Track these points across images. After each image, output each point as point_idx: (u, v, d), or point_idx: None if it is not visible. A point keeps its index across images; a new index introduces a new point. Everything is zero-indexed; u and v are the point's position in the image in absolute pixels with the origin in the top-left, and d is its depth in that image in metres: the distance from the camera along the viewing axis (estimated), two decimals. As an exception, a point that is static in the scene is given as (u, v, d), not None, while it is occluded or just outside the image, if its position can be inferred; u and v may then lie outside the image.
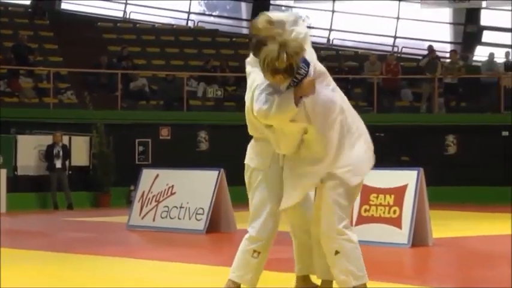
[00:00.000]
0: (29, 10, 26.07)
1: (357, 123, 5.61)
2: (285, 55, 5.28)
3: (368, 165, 5.63)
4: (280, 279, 6.89)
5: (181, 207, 12.41)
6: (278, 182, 5.64)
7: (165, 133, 21.14)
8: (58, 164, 19.29)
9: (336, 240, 5.46)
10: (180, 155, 19.19)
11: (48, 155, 19.35)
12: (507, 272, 8.36)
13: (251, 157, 5.78)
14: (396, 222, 10.11)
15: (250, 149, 5.82)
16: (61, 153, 19.35)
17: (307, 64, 5.39)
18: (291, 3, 31.36)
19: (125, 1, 28.39)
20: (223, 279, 5.94)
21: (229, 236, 11.65)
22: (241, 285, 5.73)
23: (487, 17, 28.67)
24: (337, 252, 5.47)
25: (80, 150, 20.31)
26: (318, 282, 5.93)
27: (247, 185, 5.79)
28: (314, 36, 31.11)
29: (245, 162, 5.82)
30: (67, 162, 19.55)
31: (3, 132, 19.41)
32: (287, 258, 7.45)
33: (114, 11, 28.39)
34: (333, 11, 28.65)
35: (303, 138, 5.48)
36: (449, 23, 29.33)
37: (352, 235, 5.52)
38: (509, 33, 28.42)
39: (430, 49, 24.35)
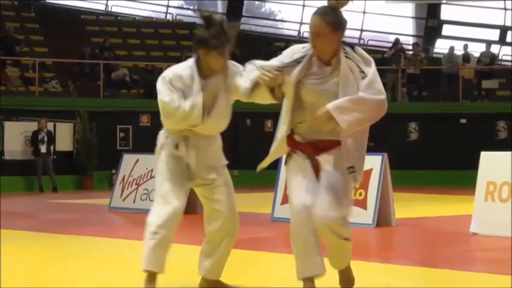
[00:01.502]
0: (16, 3, 25.83)
1: None
2: None
3: None
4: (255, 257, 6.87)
5: (160, 189, 12.38)
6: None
7: (144, 120, 21.07)
8: (43, 149, 19.19)
9: None
10: (159, 140, 19.11)
11: (33, 140, 19.24)
12: (464, 249, 8.43)
13: None
14: (362, 204, 10.14)
15: None
16: (46, 138, 19.25)
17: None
18: (264, -2, 31.35)
19: (107, -5, 28.22)
20: (196, 256, 5.89)
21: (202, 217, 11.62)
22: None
23: (446, 12, 28.80)
24: None
25: (64, 136, 20.22)
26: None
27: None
28: (285, 29, 31.14)
29: None
30: (51, 147, 19.46)
31: (-9, 118, 19.30)
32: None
33: (97, 4, 28.22)
34: (304, 6, 28.63)
35: None
36: (412, 18, 29.42)
37: None
38: (468, 27, 28.58)
39: (396, 42, 24.43)
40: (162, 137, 5.41)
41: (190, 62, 5.33)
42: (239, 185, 9.13)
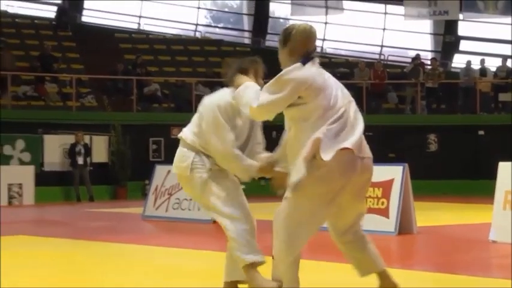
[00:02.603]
0: (53, 23, 26.05)
1: None
2: None
3: None
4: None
5: (191, 199, 12.37)
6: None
7: (176, 133, 21.07)
8: (80, 160, 19.29)
9: None
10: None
11: (71, 152, 19.35)
12: (482, 256, 8.35)
13: None
14: (384, 213, 10.10)
15: None
16: (82, 151, 19.36)
17: None
18: (288, 17, 31.37)
19: (139, 14, 28.39)
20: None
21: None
22: None
23: (463, 28, 28.65)
24: None
25: (100, 148, 20.32)
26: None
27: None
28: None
29: None
30: (88, 159, 19.56)
31: (31, 132, 19.44)
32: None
33: (130, 23, 28.39)
34: (326, 23, 28.62)
35: None
36: (430, 34, 29.31)
37: None
38: (484, 43, 28.42)
39: (416, 57, 24.37)
40: (192, 159, 5.37)
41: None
42: (266, 194, 9.12)
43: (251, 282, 5.20)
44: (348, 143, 4.68)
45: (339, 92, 4.83)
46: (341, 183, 4.70)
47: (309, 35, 5.03)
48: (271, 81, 4.79)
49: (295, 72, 4.76)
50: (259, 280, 5.15)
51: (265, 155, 5.30)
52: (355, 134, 4.75)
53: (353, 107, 4.87)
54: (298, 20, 31.70)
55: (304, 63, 4.84)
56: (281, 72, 4.79)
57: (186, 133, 5.44)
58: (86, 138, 19.71)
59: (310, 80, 4.75)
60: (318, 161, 4.61)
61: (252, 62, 5.41)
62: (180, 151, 5.45)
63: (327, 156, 4.60)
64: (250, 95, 4.88)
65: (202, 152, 5.33)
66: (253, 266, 5.21)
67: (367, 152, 4.86)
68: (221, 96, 5.34)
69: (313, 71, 4.82)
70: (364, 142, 4.85)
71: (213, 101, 5.32)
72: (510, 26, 27.85)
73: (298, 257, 4.87)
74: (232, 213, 5.24)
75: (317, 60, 4.93)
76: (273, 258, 4.91)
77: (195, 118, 5.42)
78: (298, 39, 4.97)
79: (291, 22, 34.95)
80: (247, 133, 5.39)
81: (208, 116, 5.28)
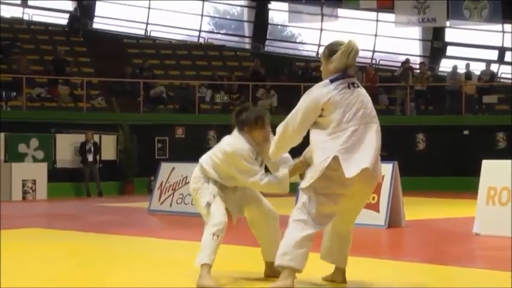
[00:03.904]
0: (66, 29, 26.03)
1: None
2: None
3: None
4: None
5: (194, 194, 12.38)
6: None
7: (180, 132, 21.11)
8: (90, 158, 19.28)
9: None
10: (193, 150, 18.92)
11: (81, 150, 19.34)
12: (467, 248, 8.34)
13: None
14: (375, 207, 10.08)
15: None
16: (92, 149, 19.34)
17: None
18: (286, 24, 31.36)
19: (146, 21, 28.37)
20: (228, 255, 5.90)
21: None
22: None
23: (450, 35, 28.64)
24: None
25: (109, 146, 20.30)
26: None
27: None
28: (305, 50, 31.13)
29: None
30: (97, 157, 19.54)
31: (44, 131, 19.41)
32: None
33: (137, 29, 28.36)
34: (322, 30, 28.61)
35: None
36: (419, 40, 29.30)
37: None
38: (470, 48, 28.41)
39: (406, 62, 24.37)
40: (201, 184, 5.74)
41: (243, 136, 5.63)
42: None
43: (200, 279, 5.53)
44: (367, 163, 5.04)
45: (359, 112, 5.09)
46: (353, 191, 5.17)
47: (350, 54, 5.19)
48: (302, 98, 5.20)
49: (319, 89, 5.16)
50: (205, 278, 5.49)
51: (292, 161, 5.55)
52: (372, 154, 5.09)
53: (372, 127, 5.14)
54: (295, 26, 31.71)
55: (332, 81, 5.13)
56: (312, 88, 5.20)
57: (206, 162, 5.71)
58: (96, 137, 19.68)
59: (328, 96, 5.07)
60: (340, 174, 5.02)
61: (258, 119, 5.59)
62: (196, 173, 5.76)
63: (349, 173, 5.00)
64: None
65: (213, 180, 5.66)
66: (207, 266, 5.53)
67: (378, 170, 5.22)
68: (240, 145, 5.57)
69: (331, 88, 5.09)
70: (379, 162, 5.21)
71: (236, 151, 5.54)
72: (494, 32, 27.86)
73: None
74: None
75: (350, 79, 5.17)
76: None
77: (215, 154, 5.68)
78: (339, 57, 5.17)
79: (288, 29, 34.92)
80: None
81: (234, 163, 5.54)
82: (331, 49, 5.23)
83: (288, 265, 5.14)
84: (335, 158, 5.02)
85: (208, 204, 5.64)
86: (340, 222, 5.47)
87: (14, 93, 20.93)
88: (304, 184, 5.22)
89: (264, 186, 5.50)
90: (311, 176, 5.16)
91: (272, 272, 5.63)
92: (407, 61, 24.51)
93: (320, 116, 5.12)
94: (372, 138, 5.11)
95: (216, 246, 5.57)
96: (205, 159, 5.74)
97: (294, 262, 5.13)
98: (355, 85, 5.19)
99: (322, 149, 5.08)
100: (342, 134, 5.04)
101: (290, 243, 5.14)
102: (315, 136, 5.16)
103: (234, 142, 5.60)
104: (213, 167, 5.66)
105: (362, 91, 5.22)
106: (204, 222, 5.74)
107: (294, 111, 5.19)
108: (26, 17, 27.00)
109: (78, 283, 6.01)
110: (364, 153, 5.04)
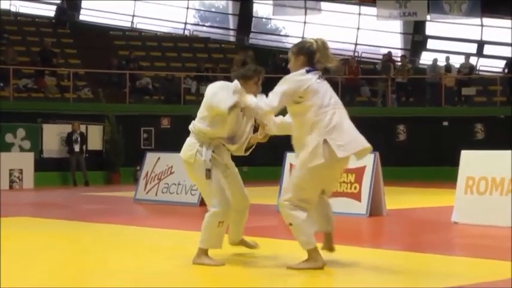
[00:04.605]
0: (53, 21, 25.86)
1: None
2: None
3: None
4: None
5: (178, 184, 12.38)
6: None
7: (165, 123, 21.06)
8: (76, 148, 19.19)
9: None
10: (178, 141, 18.86)
11: (68, 140, 19.25)
12: (446, 236, 8.40)
13: None
14: (356, 196, 10.13)
15: None
16: (79, 139, 19.26)
17: None
18: (270, 16, 31.32)
19: (132, 13, 28.24)
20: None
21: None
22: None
23: (431, 28, 28.69)
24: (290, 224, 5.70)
25: (95, 137, 20.21)
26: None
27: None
28: (288, 43, 31.10)
29: None
30: (84, 147, 19.45)
31: (31, 121, 19.30)
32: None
33: (123, 21, 28.22)
34: (305, 23, 28.60)
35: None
36: (400, 33, 29.34)
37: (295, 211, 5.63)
38: (449, 42, 28.50)
39: (388, 55, 24.40)
40: (195, 145, 6.00)
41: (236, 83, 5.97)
42: (249, 180, 9.13)
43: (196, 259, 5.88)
44: (357, 146, 5.62)
45: (332, 99, 5.67)
46: (338, 170, 5.78)
47: (316, 52, 5.77)
48: (279, 82, 5.64)
49: (298, 76, 5.66)
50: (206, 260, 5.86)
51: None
52: (357, 135, 5.68)
53: (344, 112, 5.73)
54: (279, 19, 31.70)
55: (308, 71, 5.67)
56: (288, 75, 5.69)
57: (194, 125, 6.07)
58: (82, 128, 19.57)
59: (308, 83, 5.60)
60: (331, 153, 5.49)
61: (256, 72, 6.00)
62: (188, 141, 6.06)
63: (340, 154, 5.51)
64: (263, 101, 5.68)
65: (205, 142, 5.91)
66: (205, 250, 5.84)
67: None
68: (225, 85, 5.98)
69: (310, 77, 5.64)
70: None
71: (220, 86, 5.99)
72: (473, 26, 27.98)
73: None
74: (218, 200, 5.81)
75: (319, 72, 5.72)
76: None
77: (199, 110, 6.12)
78: (309, 54, 5.76)
79: (272, 22, 34.89)
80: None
81: (214, 93, 5.94)
82: (299, 46, 5.81)
83: (312, 247, 5.58)
84: (325, 142, 5.49)
85: (208, 171, 5.82)
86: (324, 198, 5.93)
87: (1, 84, 20.80)
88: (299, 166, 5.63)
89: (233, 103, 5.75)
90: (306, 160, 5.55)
91: (242, 243, 6.30)
92: (389, 54, 24.55)
93: (297, 102, 5.59)
94: (349, 121, 5.70)
95: (223, 233, 5.88)
96: (193, 123, 6.05)
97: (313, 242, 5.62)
98: (323, 77, 5.75)
99: (310, 133, 5.55)
100: (324, 117, 5.55)
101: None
102: (299, 119, 5.63)
103: (219, 84, 6.00)
104: (201, 122, 5.95)
105: (327, 83, 5.77)
106: (204, 197, 5.96)
107: (272, 94, 5.60)
108: (13, 9, 26.79)
109: (67, 271, 6.00)
110: (353, 134, 5.64)
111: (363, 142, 5.65)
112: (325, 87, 5.68)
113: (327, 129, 5.52)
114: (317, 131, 5.52)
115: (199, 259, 5.84)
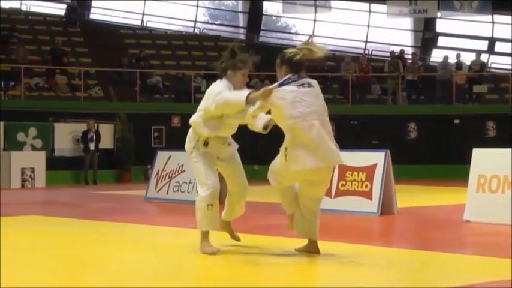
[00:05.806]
0: (63, 19, 25.94)
1: None
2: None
3: None
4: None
5: (189, 182, 12.38)
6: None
7: (176, 121, 21.08)
8: (92, 146, 19.25)
9: None
10: (189, 139, 19.09)
11: (83, 139, 19.30)
12: (458, 235, 8.36)
13: None
14: (367, 195, 10.10)
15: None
16: (94, 137, 19.32)
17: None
18: (280, 14, 31.29)
19: (142, 12, 28.28)
20: (223, 240, 5.91)
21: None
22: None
23: (441, 25, 28.61)
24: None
25: (106, 135, 20.26)
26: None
27: None
28: (298, 40, 31.08)
29: None
30: (98, 145, 19.51)
31: (42, 120, 19.37)
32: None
33: (134, 20, 28.28)
34: (315, 20, 28.56)
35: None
36: (411, 30, 29.26)
37: None
38: (460, 39, 28.40)
39: (400, 52, 24.36)
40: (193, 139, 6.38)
41: (224, 81, 6.25)
42: (259, 178, 9.13)
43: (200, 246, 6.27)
44: (328, 160, 5.87)
45: (311, 109, 5.81)
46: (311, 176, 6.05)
47: (297, 63, 5.93)
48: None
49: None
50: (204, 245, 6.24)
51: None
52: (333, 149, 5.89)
53: (326, 121, 5.89)
54: (289, 17, 31.67)
55: (281, 85, 5.86)
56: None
57: (194, 118, 6.42)
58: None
59: (280, 94, 5.82)
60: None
61: (245, 64, 6.25)
62: (189, 134, 6.47)
63: (310, 165, 5.82)
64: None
65: (204, 136, 6.25)
66: (206, 233, 6.24)
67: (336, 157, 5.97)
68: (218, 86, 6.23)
69: (285, 88, 5.83)
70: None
71: (213, 89, 6.25)
72: (484, 23, 27.86)
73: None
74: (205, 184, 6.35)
75: (302, 80, 5.87)
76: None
77: (199, 107, 6.39)
78: (290, 63, 5.94)
79: (282, 20, 34.85)
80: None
81: (207, 95, 6.25)
82: (281, 57, 6.02)
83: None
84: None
85: (201, 163, 6.25)
86: (309, 201, 6.24)
87: (13, 83, 20.87)
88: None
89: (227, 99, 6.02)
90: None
91: (228, 229, 6.69)
92: (401, 52, 24.50)
93: (274, 111, 5.96)
94: (330, 131, 5.91)
95: (216, 214, 6.21)
96: (193, 116, 6.38)
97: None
98: (307, 85, 5.90)
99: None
100: (309, 128, 5.80)
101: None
102: (285, 131, 5.97)
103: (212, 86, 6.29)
104: (200, 116, 6.27)
105: (315, 90, 5.92)
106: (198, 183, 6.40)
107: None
108: (24, 8, 26.91)
109: (77, 269, 6.01)
110: (327, 149, 5.83)
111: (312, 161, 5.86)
112: (307, 98, 5.83)
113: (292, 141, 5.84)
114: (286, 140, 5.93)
115: (200, 245, 6.28)
